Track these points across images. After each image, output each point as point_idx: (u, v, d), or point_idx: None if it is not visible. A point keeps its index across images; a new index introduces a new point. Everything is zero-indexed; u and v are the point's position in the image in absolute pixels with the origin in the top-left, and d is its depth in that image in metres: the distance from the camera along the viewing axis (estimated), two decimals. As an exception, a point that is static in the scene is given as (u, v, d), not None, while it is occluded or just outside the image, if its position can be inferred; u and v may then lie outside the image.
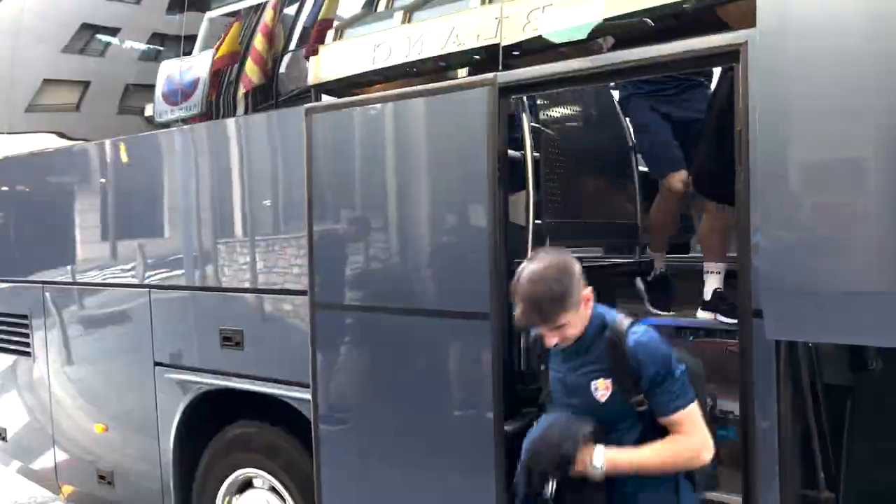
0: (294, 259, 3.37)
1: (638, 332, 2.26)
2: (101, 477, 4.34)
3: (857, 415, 2.60)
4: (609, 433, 2.28)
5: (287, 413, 3.45)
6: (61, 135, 4.70)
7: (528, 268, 2.25)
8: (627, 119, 3.87)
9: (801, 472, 2.38)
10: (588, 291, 2.28)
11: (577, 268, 2.27)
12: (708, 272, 3.27)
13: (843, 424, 2.57)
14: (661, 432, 2.25)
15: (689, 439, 2.22)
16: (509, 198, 2.80)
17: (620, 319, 2.31)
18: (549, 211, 3.29)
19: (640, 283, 3.60)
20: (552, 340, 2.28)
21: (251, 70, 3.58)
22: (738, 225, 2.31)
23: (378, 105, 3.09)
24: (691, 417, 2.22)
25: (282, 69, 3.56)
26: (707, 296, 3.28)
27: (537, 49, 2.69)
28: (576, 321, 2.26)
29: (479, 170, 2.72)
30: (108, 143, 4.25)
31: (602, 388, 2.28)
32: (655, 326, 3.63)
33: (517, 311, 2.26)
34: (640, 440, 2.26)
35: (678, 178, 3.39)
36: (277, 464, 3.59)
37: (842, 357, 2.57)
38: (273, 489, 3.66)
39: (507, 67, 2.71)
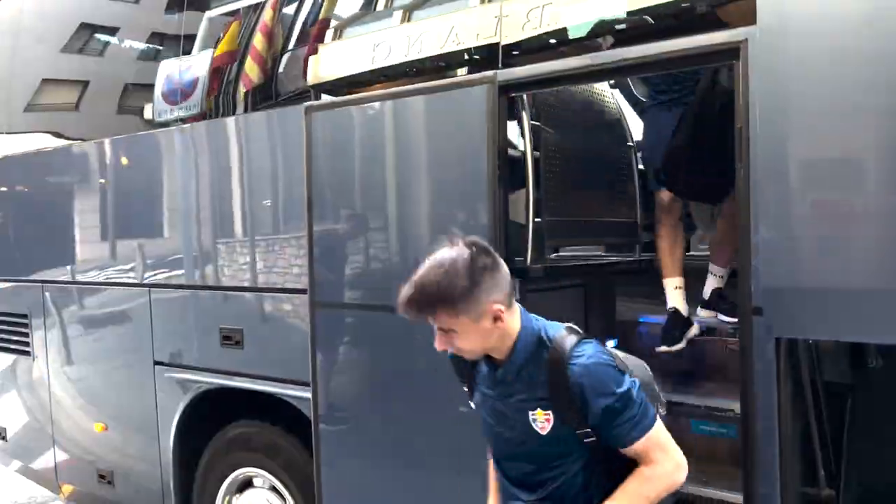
0: (294, 258, 3.37)
1: (583, 355, 1.90)
2: (101, 476, 4.34)
3: (857, 412, 2.60)
4: (550, 468, 2.00)
5: (287, 412, 3.45)
6: (60, 134, 4.70)
7: (441, 251, 1.91)
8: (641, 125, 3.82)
9: (801, 469, 2.38)
10: (498, 308, 1.88)
11: (497, 275, 1.90)
12: (711, 273, 3.27)
13: (843, 422, 2.58)
14: (611, 459, 1.97)
15: (661, 468, 1.94)
16: (509, 196, 2.80)
17: (562, 337, 1.95)
18: (549, 209, 3.28)
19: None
20: (439, 344, 1.95)
21: (251, 69, 3.58)
22: (739, 223, 2.31)
23: (378, 103, 3.09)
24: (657, 440, 1.94)
25: (281, 68, 3.56)
26: (706, 295, 3.28)
27: (537, 48, 2.69)
28: (471, 334, 1.90)
29: (480, 168, 2.71)
30: (107, 142, 4.25)
31: (541, 420, 1.95)
32: (652, 325, 3.65)
33: (402, 293, 1.90)
34: (586, 468, 1.99)
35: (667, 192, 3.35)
36: (277, 463, 3.59)
37: (842, 355, 2.57)
38: (273, 488, 3.66)
39: (506, 67, 2.71)
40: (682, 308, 3.31)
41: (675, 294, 3.33)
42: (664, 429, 1.98)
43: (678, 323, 3.31)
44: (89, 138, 4.39)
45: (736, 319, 2.67)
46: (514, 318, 1.96)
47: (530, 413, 1.95)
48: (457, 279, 1.83)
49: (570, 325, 2.03)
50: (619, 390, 1.89)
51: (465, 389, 2.19)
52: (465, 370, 2.15)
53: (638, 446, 1.93)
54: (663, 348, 3.31)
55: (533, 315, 2.03)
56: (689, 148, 3.04)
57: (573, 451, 1.97)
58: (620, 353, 2.11)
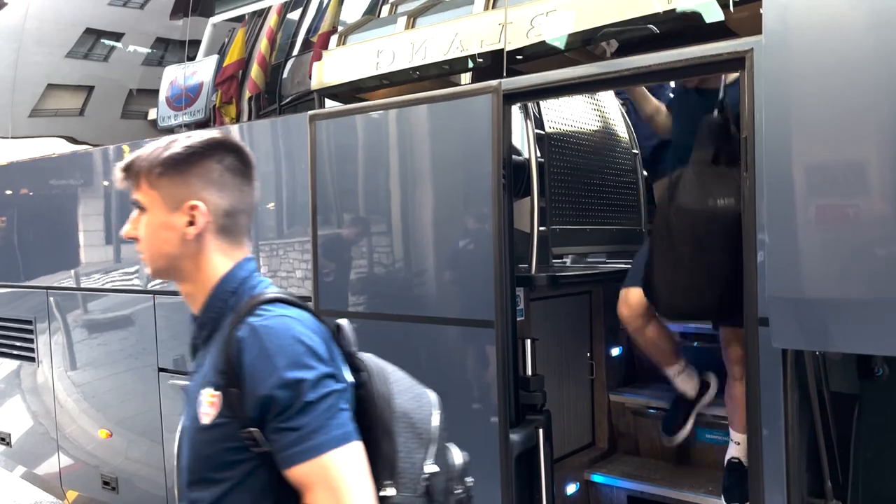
0: (298, 265, 3.36)
1: (266, 315, 1.37)
2: (106, 483, 4.34)
3: (864, 422, 2.59)
4: (207, 482, 1.39)
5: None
6: (65, 140, 4.70)
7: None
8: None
9: (808, 480, 2.36)
10: (198, 205, 1.44)
11: (231, 181, 1.48)
12: (732, 440, 3.03)
13: (850, 432, 2.56)
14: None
15: None
16: (514, 204, 2.80)
17: (263, 293, 1.45)
18: (554, 217, 3.28)
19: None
20: (126, 227, 1.52)
21: (256, 75, 3.58)
22: (745, 232, 2.29)
23: (382, 112, 3.08)
24: (331, 476, 1.30)
25: (286, 74, 3.57)
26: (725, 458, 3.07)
27: (541, 55, 2.68)
28: (154, 223, 1.46)
29: (484, 177, 2.71)
30: (112, 148, 4.26)
31: (207, 402, 1.38)
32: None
33: None
34: (259, 499, 1.37)
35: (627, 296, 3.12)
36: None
37: (848, 364, 2.56)
38: (277, 495, 3.65)
39: (510, 73, 2.70)
40: (691, 389, 3.19)
41: (679, 379, 3.20)
42: (358, 467, 1.33)
43: (684, 407, 3.18)
44: (94, 144, 4.40)
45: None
46: (223, 258, 1.49)
47: (202, 392, 1.40)
48: (179, 145, 1.46)
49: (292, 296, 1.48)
50: (292, 375, 1.30)
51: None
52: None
53: (299, 473, 1.31)
54: (666, 438, 3.19)
55: (260, 274, 1.55)
56: (662, 265, 2.81)
57: (237, 462, 1.36)
58: (385, 364, 1.58)
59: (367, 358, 1.54)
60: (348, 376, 1.45)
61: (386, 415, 1.45)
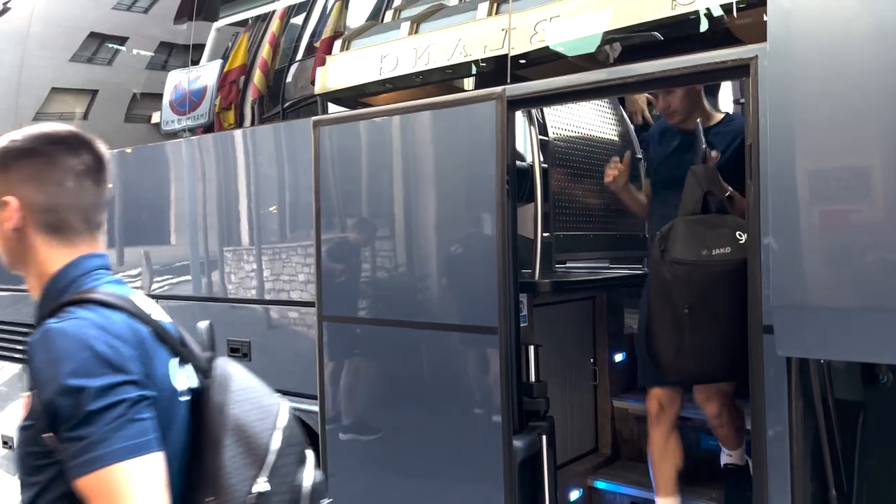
0: (302, 270, 3.36)
1: (67, 317, 1.31)
2: (108, 486, 4.33)
3: (868, 430, 2.58)
4: (26, 485, 1.34)
5: (294, 424, 3.44)
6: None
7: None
8: None
9: (812, 488, 2.35)
10: (12, 201, 1.39)
11: (59, 179, 1.40)
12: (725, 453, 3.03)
13: (854, 440, 2.55)
14: None
15: None
16: (517, 210, 2.79)
17: (79, 293, 1.37)
18: (557, 223, 3.27)
19: None
20: None
21: (259, 80, 3.59)
22: (749, 240, 2.29)
23: (386, 117, 3.08)
24: (109, 488, 1.21)
25: (289, 79, 3.57)
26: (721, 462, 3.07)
27: (545, 60, 2.68)
28: None
29: (488, 183, 2.70)
30: (115, 152, 4.26)
31: (23, 405, 1.34)
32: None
33: None
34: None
35: (654, 391, 2.97)
36: (284, 475, 3.58)
37: (853, 372, 2.55)
38: (280, 500, 3.64)
39: (514, 78, 2.70)
40: None
41: None
42: (146, 482, 1.24)
43: None
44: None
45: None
46: (52, 255, 1.43)
47: (23, 394, 1.36)
48: (5, 140, 1.42)
49: (142, 297, 1.44)
50: (73, 382, 1.23)
51: None
52: None
53: (81, 486, 1.23)
54: None
55: (105, 272, 1.46)
56: (663, 327, 2.67)
57: (44, 468, 1.29)
58: (237, 372, 1.50)
59: (219, 364, 1.48)
60: (180, 383, 1.40)
61: (216, 424, 1.37)
